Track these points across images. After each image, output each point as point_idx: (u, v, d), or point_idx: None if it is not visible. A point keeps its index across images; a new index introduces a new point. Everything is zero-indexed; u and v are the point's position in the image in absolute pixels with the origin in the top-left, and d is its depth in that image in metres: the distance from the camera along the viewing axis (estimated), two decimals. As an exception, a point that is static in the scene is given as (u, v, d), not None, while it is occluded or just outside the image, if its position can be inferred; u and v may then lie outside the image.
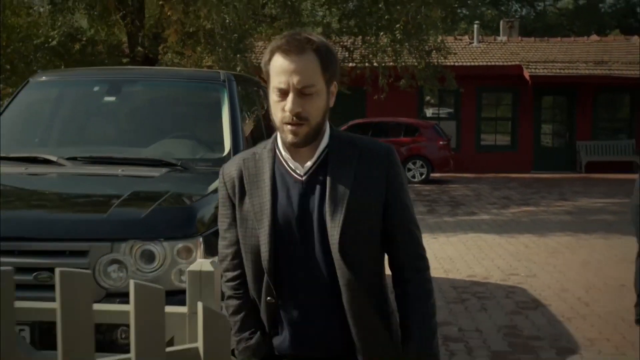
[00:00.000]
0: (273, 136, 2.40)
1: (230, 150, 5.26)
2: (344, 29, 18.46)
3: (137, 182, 4.63)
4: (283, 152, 2.35)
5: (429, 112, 25.90)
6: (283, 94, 2.23)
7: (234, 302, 2.47)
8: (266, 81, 2.32)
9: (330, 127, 2.38)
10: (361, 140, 2.41)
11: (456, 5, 21.61)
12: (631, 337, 6.29)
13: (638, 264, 6.78)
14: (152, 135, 5.55)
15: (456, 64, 22.19)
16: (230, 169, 2.42)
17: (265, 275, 2.34)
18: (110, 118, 5.69)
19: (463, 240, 11.33)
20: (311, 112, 2.25)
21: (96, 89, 5.73)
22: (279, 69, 2.23)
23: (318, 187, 2.32)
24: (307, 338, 2.37)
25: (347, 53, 18.36)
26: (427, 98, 25.24)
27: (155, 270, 3.87)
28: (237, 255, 2.43)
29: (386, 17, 15.90)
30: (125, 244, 3.85)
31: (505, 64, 24.68)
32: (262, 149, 2.41)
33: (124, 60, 16.58)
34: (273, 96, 2.27)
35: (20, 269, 3.68)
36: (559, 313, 7.11)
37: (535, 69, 24.04)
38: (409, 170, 20.67)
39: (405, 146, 20.56)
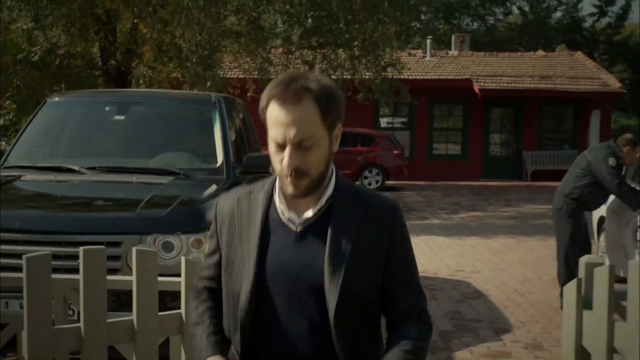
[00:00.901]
0: (272, 177, 2.26)
1: (222, 161, 6.33)
2: (304, 45, 19.59)
3: (150, 188, 5.65)
4: (278, 200, 2.20)
5: (383, 122, 27.02)
6: (280, 146, 2.10)
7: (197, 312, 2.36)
8: (266, 127, 2.17)
9: (336, 175, 2.24)
10: (367, 194, 2.26)
11: (412, 25, 22.81)
12: (556, 320, 7.43)
13: (560, 261, 7.99)
14: (156, 148, 6.59)
15: (410, 77, 23.26)
16: (223, 205, 2.29)
17: (239, 326, 2.19)
18: (120, 133, 6.73)
19: (416, 242, 12.45)
20: (311, 165, 2.11)
21: (107, 108, 6.76)
22: (275, 120, 2.09)
23: (315, 242, 2.16)
24: None
25: (307, 67, 19.46)
26: (383, 110, 26.40)
27: (174, 257, 4.92)
28: (212, 280, 2.34)
29: (346, 35, 16.96)
30: (150, 236, 4.90)
31: (456, 77, 25.96)
32: (260, 188, 2.27)
33: (97, 73, 17.35)
34: (271, 146, 2.13)
35: (68, 256, 4.71)
36: (497, 302, 8.27)
37: (484, 82, 25.38)
38: (366, 177, 21.79)
39: (361, 155, 21.71)
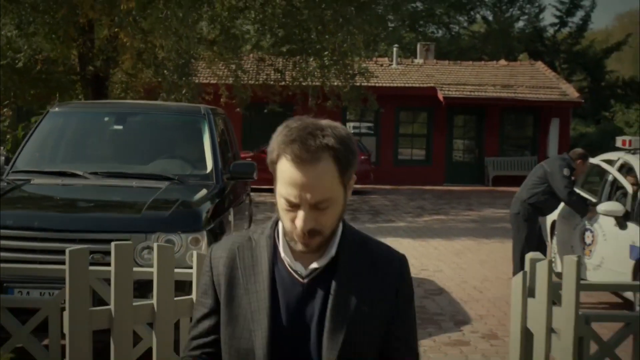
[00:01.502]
0: (272, 221, 2.14)
1: (212, 168, 7.02)
2: (276, 52, 20.30)
3: (150, 192, 6.31)
4: (282, 250, 2.08)
5: (350, 128, 27.74)
6: (293, 206, 1.97)
7: None
8: (272, 172, 2.02)
9: (344, 223, 2.12)
10: (374, 245, 2.17)
11: (381, 36, 23.54)
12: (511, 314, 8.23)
13: (515, 261, 8.80)
14: (151, 155, 7.26)
15: (377, 84, 23.94)
16: (220, 254, 2.14)
17: None
18: (118, 142, 7.38)
19: (383, 243, 13.21)
20: (326, 225, 2.01)
21: (106, 119, 7.41)
22: (289, 180, 1.95)
23: (321, 293, 2.05)
24: None
25: (278, 74, 20.16)
26: (350, 116, 27.15)
27: (175, 253, 5.58)
28: (204, 347, 2.16)
29: (317, 45, 17.67)
30: (154, 235, 5.57)
31: (421, 85, 26.78)
32: (260, 234, 2.13)
33: (75, 78, 17.84)
34: (281, 202, 1.99)
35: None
36: (458, 298, 9.04)
37: (448, 90, 26.27)
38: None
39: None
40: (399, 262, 2.15)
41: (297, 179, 1.93)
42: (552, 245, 10.04)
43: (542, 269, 4.38)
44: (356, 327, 2.03)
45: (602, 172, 9.46)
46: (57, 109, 7.73)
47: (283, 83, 19.96)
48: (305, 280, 2.06)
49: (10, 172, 6.85)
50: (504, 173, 26.42)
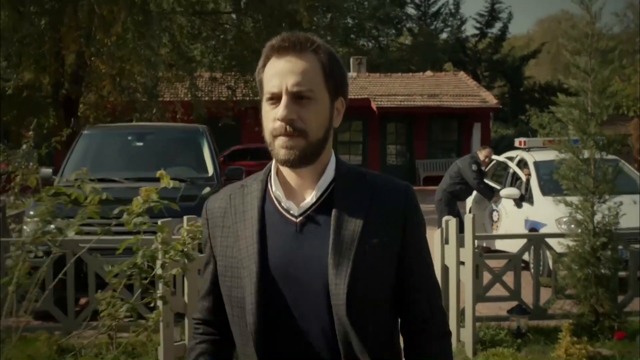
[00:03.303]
0: (267, 167, 2.02)
1: (213, 172, 9.40)
2: (227, 69, 22.57)
3: (175, 190, 8.59)
4: (274, 187, 1.96)
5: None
6: (276, 99, 1.86)
7: (193, 352, 2.10)
8: (260, 94, 1.96)
9: (337, 158, 1.98)
10: (374, 176, 1.99)
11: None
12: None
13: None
14: (165, 164, 9.52)
15: (317, 97, 26.48)
16: (213, 205, 2.05)
17: (250, 336, 1.90)
18: (139, 154, 9.70)
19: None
20: (308, 122, 1.86)
21: (129, 137, 9.73)
22: (273, 71, 1.88)
23: (318, 231, 1.89)
24: None
25: (230, 92, 22.50)
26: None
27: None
28: (207, 299, 2.09)
29: (267, 67, 20.02)
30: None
31: (356, 97, 29.36)
32: (253, 180, 2.02)
33: (48, 101, 19.85)
34: (265, 106, 1.90)
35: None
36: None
37: (380, 101, 28.96)
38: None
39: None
40: (404, 190, 1.98)
41: (279, 67, 1.87)
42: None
43: (452, 225, 6.92)
44: (362, 261, 1.85)
45: (505, 166, 12.19)
46: (87, 131, 10.00)
47: (235, 99, 22.29)
48: (299, 219, 1.92)
49: (60, 181, 9.10)
50: (433, 174, 28.97)
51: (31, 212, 8.30)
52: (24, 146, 15.62)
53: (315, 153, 1.90)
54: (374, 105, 28.62)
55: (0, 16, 15.92)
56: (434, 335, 1.99)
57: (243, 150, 25.93)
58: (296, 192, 1.96)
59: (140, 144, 9.69)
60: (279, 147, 1.87)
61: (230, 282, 1.95)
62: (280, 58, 1.89)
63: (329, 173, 1.95)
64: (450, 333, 2.03)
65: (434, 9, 47.40)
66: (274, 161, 1.97)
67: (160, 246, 4.60)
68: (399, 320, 2.01)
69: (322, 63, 1.91)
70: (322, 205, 1.92)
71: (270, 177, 1.99)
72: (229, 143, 25.91)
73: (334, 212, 1.90)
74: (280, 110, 1.84)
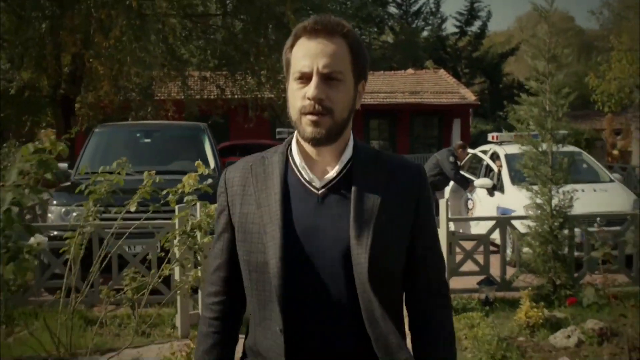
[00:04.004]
0: (286, 140, 2.12)
1: (214, 165, 10.39)
2: (217, 69, 23.48)
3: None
4: (297, 160, 2.04)
5: (280, 134, 31.11)
6: (306, 78, 1.95)
7: (205, 326, 2.18)
8: (286, 72, 2.05)
9: (354, 138, 2.09)
10: (389, 156, 2.12)
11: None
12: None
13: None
14: (171, 158, 10.58)
15: (303, 96, 27.40)
16: (233, 174, 2.13)
17: (275, 299, 1.97)
18: (148, 150, 10.69)
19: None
20: (336, 103, 1.96)
21: (138, 134, 10.73)
22: (304, 52, 1.96)
23: (339, 204, 2.00)
24: None
25: (220, 91, 23.44)
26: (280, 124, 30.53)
27: (207, 217, 8.98)
28: (220, 269, 2.15)
29: (255, 67, 21.04)
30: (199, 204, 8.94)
31: (340, 94, 30.43)
32: (274, 153, 2.11)
33: (46, 100, 20.75)
34: (293, 85, 1.99)
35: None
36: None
37: (364, 98, 29.55)
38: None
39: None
40: (418, 171, 2.08)
41: (311, 48, 1.95)
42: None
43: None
44: (381, 233, 1.95)
45: (480, 159, 13.30)
46: (98, 129, 10.99)
47: (224, 97, 23.24)
48: (320, 192, 2.01)
49: (77, 174, 10.08)
50: None
51: (54, 202, 9.31)
52: (37, 142, 16.55)
53: (339, 132, 2.00)
54: (357, 102, 29.55)
55: (1, 20, 16.88)
56: (440, 305, 2.12)
57: (231, 146, 26.84)
58: (317, 165, 2.05)
59: (148, 140, 10.68)
60: (306, 124, 1.97)
61: (250, 247, 2.02)
62: (312, 39, 1.97)
63: (349, 150, 2.05)
64: (452, 306, 2.17)
65: (415, 7, 48.39)
66: (295, 135, 2.09)
67: (202, 216, 5.57)
68: (405, 292, 2.12)
69: (351, 47, 1.99)
70: (342, 180, 2.02)
71: (291, 149, 2.09)
72: (217, 140, 26.66)
73: (354, 186, 2.00)
74: (312, 89, 1.93)
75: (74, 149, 14.47)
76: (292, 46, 2.01)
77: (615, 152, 33.65)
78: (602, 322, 6.98)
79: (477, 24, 47.42)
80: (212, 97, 23.73)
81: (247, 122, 23.10)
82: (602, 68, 30.63)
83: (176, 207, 6.87)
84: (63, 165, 10.49)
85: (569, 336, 6.83)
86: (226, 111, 23.44)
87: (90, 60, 18.10)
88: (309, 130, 1.96)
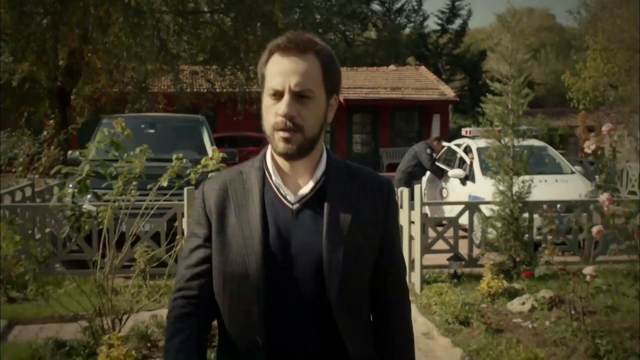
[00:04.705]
0: (261, 154, 2.18)
1: (212, 154, 11.45)
2: (207, 64, 24.48)
3: (186, 167, 10.70)
4: (273, 176, 2.12)
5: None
6: (279, 95, 2.01)
7: (177, 325, 2.12)
8: (261, 87, 2.11)
9: (327, 151, 2.17)
10: (361, 171, 2.20)
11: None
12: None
13: (400, 208, 13.64)
14: (172, 148, 11.60)
15: (288, 90, 28.38)
16: (212, 187, 2.15)
17: (255, 309, 2.04)
18: (152, 140, 11.71)
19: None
20: (307, 119, 2.02)
21: (143, 125, 11.76)
22: (277, 69, 2.01)
23: (313, 219, 2.08)
24: None
25: (210, 85, 24.46)
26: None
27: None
28: (199, 276, 2.14)
29: (245, 63, 22.03)
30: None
31: (324, 89, 31.43)
32: (250, 167, 2.17)
33: (44, 92, 21.65)
34: (267, 100, 2.05)
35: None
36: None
37: (347, 93, 31.04)
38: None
39: (252, 154, 26.66)
40: (387, 186, 2.17)
41: (283, 66, 2.00)
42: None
43: (405, 194, 9.08)
44: (352, 247, 2.04)
45: (454, 152, 14.46)
46: (106, 120, 12.01)
47: (214, 91, 24.25)
48: (295, 206, 2.08)
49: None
50: (396, 161, 29.89)
51: (70, 185, 10.32)
52: (45, 132, 17.61)
53: (310, 147, 2.06)
54: (341, 98, 29.97)
55: (1, 15, 17.80)
56: (400, 310, 2.24)
57: (220, 137, 27.81)
58: (291, 180, 2.12)
59: (152, 130, 11.71)
60: (278, 140, 2.02)
61: (227, 257, 2.07)
62: (284, 57, 2.01)
63: (322, 165, 2.13)
64: (411, 312, 2.32)
65: (397, 5, 49.41)
66: (269, 149, 2.14)
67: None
68: (370, 298, 2.20)
69: (322, 64, 2.04)
70: (316, 196, 2.09)
71: (266, 164, 2.14)
72: (207, 132, 27.78)
73: (326, 202, 2.07)
74: (283, 107, 1.98)
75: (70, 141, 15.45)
76: (266, 62, 2.07)
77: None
78: (552, 292, 8.12)
79: (458, 22, 48.63)
80: (202, 90, 24.72)
81: (235, 115, 24.05)
82: (578, 66, 31.49)
83: (185, 190, 7.84)
84: (75, 152, 11.46)
85: (523, 303, 7.97)
86: (215, 104, 24.43)
87: (89, 54, 19.05)
88: (281, 145, 2.03)
